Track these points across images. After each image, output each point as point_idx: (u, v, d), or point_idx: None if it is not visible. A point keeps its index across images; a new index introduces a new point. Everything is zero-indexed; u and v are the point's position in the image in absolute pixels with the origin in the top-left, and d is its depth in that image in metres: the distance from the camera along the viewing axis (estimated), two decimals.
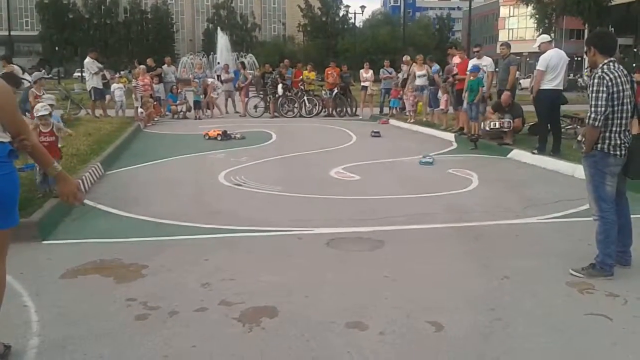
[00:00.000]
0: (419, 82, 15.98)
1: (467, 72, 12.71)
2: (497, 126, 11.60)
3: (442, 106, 15.06)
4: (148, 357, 3.41)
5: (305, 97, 20.17)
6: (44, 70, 29.00)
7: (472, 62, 12.91)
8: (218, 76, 22.56)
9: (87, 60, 17.73)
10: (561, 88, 10.19)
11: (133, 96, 17.20)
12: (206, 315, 3.98)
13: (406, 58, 18.16)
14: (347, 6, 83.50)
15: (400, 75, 18.71)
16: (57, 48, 75.37)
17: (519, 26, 77.03)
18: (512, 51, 12.65)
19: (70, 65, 69.36)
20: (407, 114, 17.54)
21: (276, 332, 3.71)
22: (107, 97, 18.27)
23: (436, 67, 15.73)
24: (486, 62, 12.74)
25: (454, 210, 6.99)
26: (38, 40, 79.09)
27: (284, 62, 21.86)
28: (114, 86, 18.24)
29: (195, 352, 3.46)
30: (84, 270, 4.86)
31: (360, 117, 19.78)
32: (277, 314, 3.98)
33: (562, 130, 11.07)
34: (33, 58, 78.36)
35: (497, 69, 13.53)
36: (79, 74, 47.01)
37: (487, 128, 11.80)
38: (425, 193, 7.92)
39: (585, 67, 44.89)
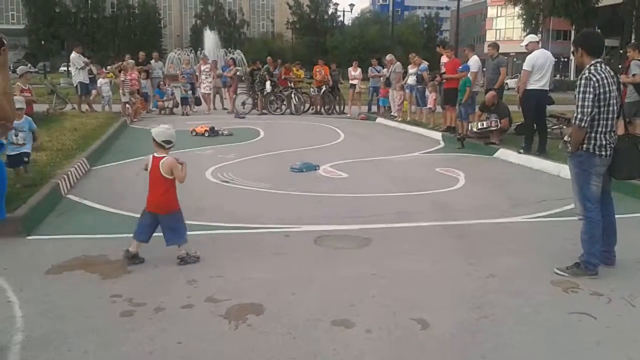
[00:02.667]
0: (411, 80, 16.01)
1: (457, 71, 12.82)
2: (485, 126, 11.67)
3: (430, 105, 15.09)
4: (133, 354, 3.39)
5: (293, 95, 20.13)
6: (29, 64, 28.74)
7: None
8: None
9: (73, 55, 17.62)
10: (547, 88, 10.26)
11: (120, 91, 17.08)
12: (192, 312, 3.96)
13: (390, 57, 18.08)
14: (336, 4, 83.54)
15: (385, 72, 18.63)
16: (43, 42, 74.62)
17: (506, 26, 77.36)
18: (500, 51, 12.70)
19: (57, 60, 68.74)
20: (394, 114, 17.57)
21: (262, 329, 3.70)
22: (93, 91, 18.15)
23: (424, 65, 15.76)
24: (471, 62, 12.78)
25: (441, 208, 7.02)
26: (24, 34, 78.23)
27: (267, 59, 21.58)
28: (100, 81, 18.10)
29: (180, 349, 3.45)
30: (69, 266, 4.82)
31: (349, 115, 19.79)
32: (263, 311, 3.97)
33: (548, 130, 11.15)
34: (19, 52, 77.61)
35: (484, 69, 13.59)
36: (65, 68, 46.60)
37: (475, 129, 11.87)
38: (412, 191, 7.95)
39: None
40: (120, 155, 10.61)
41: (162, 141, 4.92)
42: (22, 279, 4.51)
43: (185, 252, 4.98)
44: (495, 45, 12.82)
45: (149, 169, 4.98)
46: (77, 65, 17.31)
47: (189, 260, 4.94)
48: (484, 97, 12.16)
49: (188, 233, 5.80)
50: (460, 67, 12.75)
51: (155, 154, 4.97)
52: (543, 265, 4.91)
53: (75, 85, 17.66)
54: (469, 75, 12.50)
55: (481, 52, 21.50)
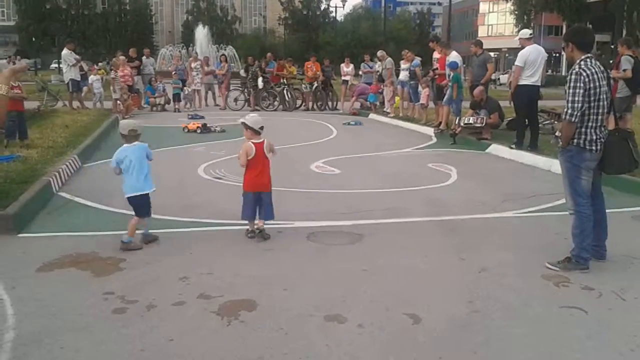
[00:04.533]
0: (403, 76, 16.01)
1: (446, 67, 12.83)
2: (471, 122, 11.70)
3: (422, 101, 15.09)
4: (125, 351, 3.38)
5: (285, 91, 20.11)
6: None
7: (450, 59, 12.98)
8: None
9: (65, 52, 17.52)
10: (539, 84, 10.28)
11: (111, 88, 17.00)
12: (184, 308, 3.96)
13: (381, 53, 18.09)
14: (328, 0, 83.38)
15: (377, 68, 18.61)
16: (34, 39, 74.19)
17: (498, 22, 77.60)
18: (492, 47, 12.74)
19: (48, 57, 68.36)
20: (387, 110, 17.57)
21: (255, 325, 3.71)
22: (85, 88, 18.06)
23: (417, 61, 15.75)
24: (455, 59, 12.78)
25: (433, 204, 7.04)
26: (15, 31, 77.77)
27: (266, 55, 21.71)
28: (91, 78, 18.00)
29: (173, 346, 3.44)
30: (61, 264, 4.80)
31: (341, 111, 19.78)
32: (255, 307, 3.97)
33: (540, 125, 11.18)
34: (9, 49, 77.15)
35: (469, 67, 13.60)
36: (56, 65, 46.33)
37: (462, 123, 11.93)
38: (404, 187, 7.96)
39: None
40: (112, 153, 10.39)
41: (260, 128, 5.64)
42: (13, 277, 4.49)
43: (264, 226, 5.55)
44: (478, 43, 12.81)
45: (251, 156, 5.51)
46: (68, 62, 17.23)
47: (265, 236, 5.49)
48: (469, 93, 12.18)
49: (181, 230, 5.84)
50: (449, 64, 12.72)
51: (253, 141, 5.57)
52: (534, 260, 4.93)
53: (66, 82, 17.56)
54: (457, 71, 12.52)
55: None
